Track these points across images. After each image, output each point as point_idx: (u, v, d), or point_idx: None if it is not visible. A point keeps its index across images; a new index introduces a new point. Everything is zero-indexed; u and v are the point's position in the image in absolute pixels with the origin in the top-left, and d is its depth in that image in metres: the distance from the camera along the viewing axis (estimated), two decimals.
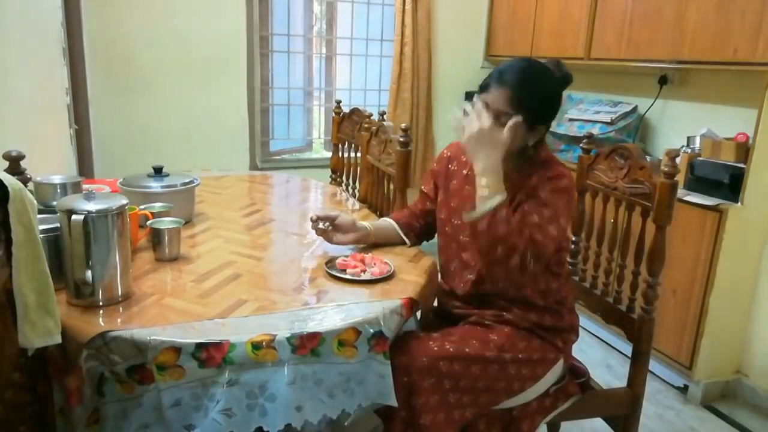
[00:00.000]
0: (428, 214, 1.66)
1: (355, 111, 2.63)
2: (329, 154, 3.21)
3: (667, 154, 1.47)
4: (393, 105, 3.69)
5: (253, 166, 3.51)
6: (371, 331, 1.19)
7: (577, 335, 1.54)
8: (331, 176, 2.87)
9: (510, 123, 1.30)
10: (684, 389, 2.47)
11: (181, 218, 1.54)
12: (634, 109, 2.95)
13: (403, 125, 2.01)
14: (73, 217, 1.12)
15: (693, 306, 2.35)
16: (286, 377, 1.09)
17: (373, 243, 1.64)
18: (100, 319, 1.14)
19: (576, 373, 1.55)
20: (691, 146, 2.58)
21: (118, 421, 1.08)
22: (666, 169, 1.43)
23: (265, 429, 1.08)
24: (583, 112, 3.10)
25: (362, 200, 2.38)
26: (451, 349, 1.33)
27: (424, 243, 1.73)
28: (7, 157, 1.25)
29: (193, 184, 1.82)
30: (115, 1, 3.02)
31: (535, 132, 1.37)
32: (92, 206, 1.15)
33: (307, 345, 1.12)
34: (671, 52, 2.53)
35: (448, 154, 1.62)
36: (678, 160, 1.46)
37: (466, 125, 1.31)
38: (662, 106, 2.92)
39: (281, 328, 1.13)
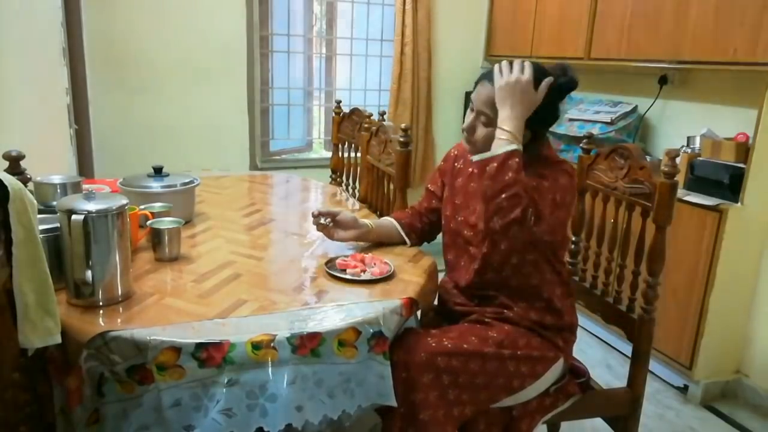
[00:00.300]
0: (433, 212, 1.67)
1: (355, 111, 2.63)
2: (329, 154, 3.21)
3: (667, 154, 1.47)
4: (393, 105, 3.69)
5: (253, 166, 3.51)
6: (371, 331, 1.19)
7: (576, 336, 1.54)
8: (331, 176, 2.87)
9: (544, 82, 1.31)
10: (684, 389, 2.47)
11: (181, 218, 1.54)
12: (634, 109, 2.95)
13: (403, 125, 2.01)
14: (73, 217, 1.12)
15: (693, 306, 2.35)
16: (286, 377, 1.09)
17: (373, 241, 1.64)
18: (100, 319, 1.14)
19: (576, 372, 1.55)
20: (691, 146, 2.58)
21: (118, 421, 1.08)
22: (666, 169, 1.43)
23: (265, 429, 1.08)
24: (583, 112, 3.10)
25: (362, 200, 2.38)
26: (450, 345, 1.33)
27: (426, 243, 1.73)
28: (7, 157, 1.25)
29: (193, 184, 1.82)
30: (115, 1, 3.02)
31: (525, 132, 1.35)
32: (92, 206, 1.15)
33: (307, 345, 1.12)
34: (671, 52, 2.53)
35: (455, 152, 1.63)
36: (678, 160, 1.46)
37: (504, 72, 1.31)
38: (662, 106, 2.92)
39: (281, 328, 1.13)
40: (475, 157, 1.32)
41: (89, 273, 1.16)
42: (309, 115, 3.88)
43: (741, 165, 2.27)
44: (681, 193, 2.35)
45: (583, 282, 1.81)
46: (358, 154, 2.53)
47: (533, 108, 1.32)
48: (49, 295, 0.99)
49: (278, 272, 1.48)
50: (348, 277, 1.40)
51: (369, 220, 1.65)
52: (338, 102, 2.85)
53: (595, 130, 2.92)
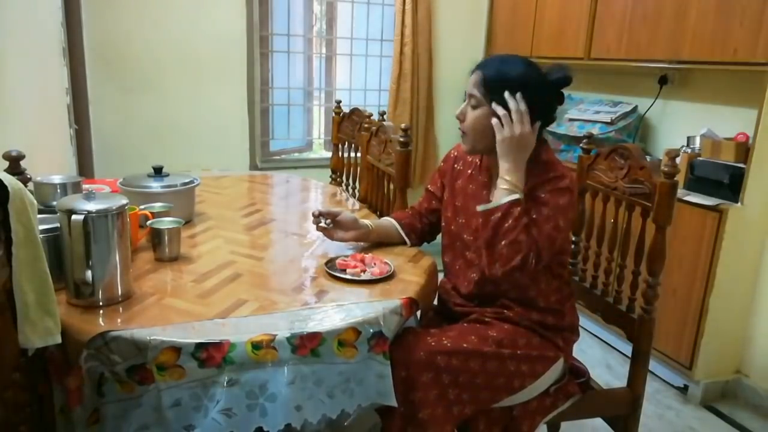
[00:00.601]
0: (433, 213, 1.67)
1: (355, 111, 2.63)
2: (329, 154, 3.21)
3: (667, 154, 1.47)
4: (393, 105, 3.69)
5: (253, 166, 3.51)
6: (371, 331, 1.19)
7: (578, 335, 1.54)
8: (331, 176, 2.87)
9: (535, 126, 1.35)
10: (684, 389, 2.47)
11: (181, 218, 1.54)
12: (634, 109, 2.95)
13: (403, 125, 2.01)
14: (73, 217, 1.12)
15: (693, 306, 2.35)
16: (286, 377, 1.09)
17: (373, 241, 1.64)
18: (100, 319, 1.14)
19: (576, 372, 1.55)
20: (691, 146, 2.58)
21: (118, 421, 1.08)
22: (666, 169, 1.43)
23: (265, 429, 1.08)
24: (583, 112, 3.10)
25: (362, 200, 2.38)
26: (449, 344, 1.33)
27: (426, 243, 1.73)
28: (7, 157, 1.25)
29: (193, 184, 1.82)
30: (115, 1, 3.02)
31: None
32: (92, 206, 1.15)
33: (307, 345, 1.12)
34: (671, 52, 2.53)
35: (455, 154, 1.63)
36: (678, 160, 1.46)
37: (505, 126, 1.34)
38: (662, 106, 2.92)
39: (281, 328, 1.13)
40: (480, 208, 1.36)
41: (89, 273, 1.16)
42: (309, 115, 3.88)
43: (741, 165, 2.27)
44: (681, 193, 2.35)
45: (583, 282, 1.81)
46: (358, 154, 2.53)
47: (531, 148, 1.36)
48: (49, 295, 0.99)
49: (278, 272, 1.48)
50: (348, 277, 1.40)
51: (369, 221, 1.65)
52: (338, 102, 2.85)
53: (595, 130, 2.92)
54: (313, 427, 1.14)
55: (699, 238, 2.31)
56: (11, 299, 0.94)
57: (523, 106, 1.34)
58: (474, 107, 1.41)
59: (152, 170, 1.80)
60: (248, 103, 3.41)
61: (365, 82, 3.85)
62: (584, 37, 3.03)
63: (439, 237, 1.68)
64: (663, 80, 2.86)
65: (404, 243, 1.67)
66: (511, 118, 1.34)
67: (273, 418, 1.08)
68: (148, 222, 1.50)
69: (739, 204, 2.25)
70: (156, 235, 1.46)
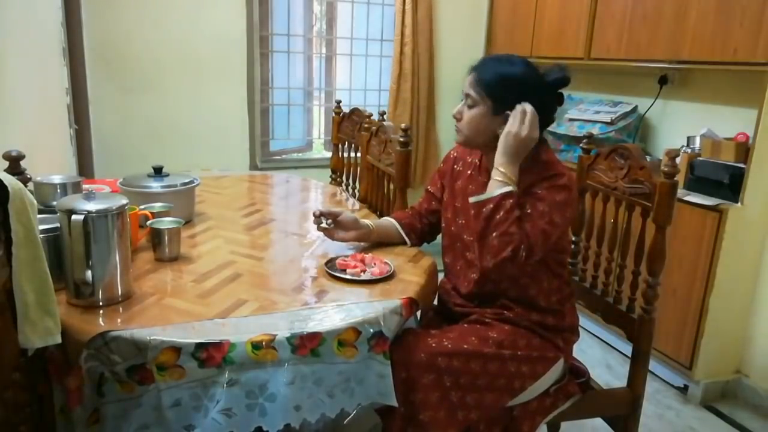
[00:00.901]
0: (433, 213, 1.67)
1: (355, 111, 2.63)
2: (329, 154, 3.21)
3: (667, 154, 1.47)
4: (392, 105, 3.69)
5: (253, 166, 3.51)
6: (371, 331, 1.19)
7: (578, 335, 1.54)
8: (331, 176, 2.87)
9: (527, 118, 1.34)
10: (684, 389, 2.47)
11: (181, 218, 1.54)
12: (634, 109, 2.95)
13: (403, 125, 2.01)
14: (73, 217, 1.12)
15: (693, 306, 2.35)
16: (286, 377, 1.09)
17: (374, 241, 1.64)
18: (100, 319, 1.14)
19: (576, 373, 1.55)
20: (691, 146, 2.58)
21: (118, 421, 1.08)
22: (666, 169, 1.43)
23: (264, 429, 1.08)
24: (583, 112, 3.10)
25: (362, 200, 2.38)
26: (450, 345, 1.33)
27: (426, 244, 1.73)
28: (7, 157, 1.25)
29: (193, 184, 1.82)
30: (115, 1, 3.02)
31: (500, 118, 1.38)
32: (92, 206, 1.15)
33: (307, 345, 1.12)
34: (671, 52, 2.53)
35: (455, 154, 1.63)
36: (678, 160, 1.46)
37: (517, 122, 1.34)
38: (662, 106, 2.92)
39: (281, 328, 1.13)
40: (472, 199, 1.36)
41: (89, 273, 1.16)
42: (309, 115, 3.88)
43: (741, 165, 2.27)
44: (681, 193, 2.35)
45: (583, 282, 1.81)
46: (358, 154, 2.53)
47: (529, 150, 1.37)
48: (49, 295, 0.99)
49: (278, 272, 1.48)
50: (348, 277, 1.40)
51: (369, 221, 1.65)
52: (338, 102, 2.85)
53: (595, 130, 2.92)
54: (312, 426, 1.14)
55: (699, 238, 2.31)
56: (11, 299, 0.94)
57: (530, 112, 1.35)
58: (470, 106, 1.41)
59: (152, 170, 1.80)
60: (248, 103, 3.41)
61: (365, 82, 3.85)
62: (584, 37, 3.03)
63: (439, 237, 1.69)
64: (663, 80, 2.86)
65: (404, 243, 1.67)
66: (523, 119, 1.34)
67: (272, 417, 1.08)
68: (148, 222, 1.50)
69: (739, 204, 2.25)
70: (156, 235, 1.46)
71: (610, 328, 2.74)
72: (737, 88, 2.55)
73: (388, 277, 1.41)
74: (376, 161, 2.26)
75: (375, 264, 1.46)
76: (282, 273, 1.47)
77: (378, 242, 1.65)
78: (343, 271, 1.43)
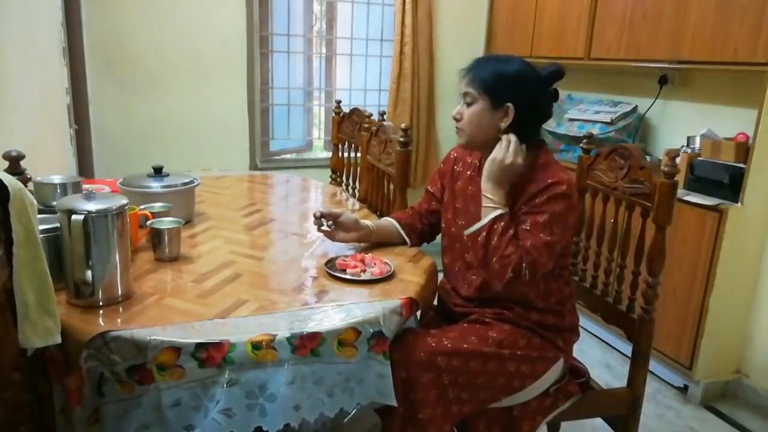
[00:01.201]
0: (433, 214, 1.67)
1: (355, 111, 2.63)
2: (329, 154, 3.21)
3: (667, 154, 1.47)
4: (392, 105, 3.69)
5: (253, 166, 3.51)
6: (371, 331, 1.19)
7: (578, 335, 1.54)
8: (331, 176, 2.87)
9: (511, 146, 1.37)
10: (684, 389, 2.47)
11: (181, 218, 1.54)
12: (634, 109, 2.95)
13: (403, 125, 2.01)
14: (73, 217, 1.12)
15: (693, 306, 2.35)
16: (285, 377, 1.09)
17: (374, 242, 1.64)
18: (100, 319, 1.14)
19: (576, 373, 1.55)
20: (691, 146, 2.57)
21: (118, 421, 1.08)
22: (666, 169, 1.43)
23: (264, 429, 1.08)
24: (583, 112, 3.10)
25: (362, 200, 2.38)
26: (449, 345, 1.33)
27: (426, 244, 1.73)
28: (7, 157, 1.25)
29: (193, 184, 1.82)
30: (115, 1, 3.02)
31: (500, 112, 1.39)
32: (92, 206, 1.15)
33: (307, 345, 1.12)
34: (671, 52, 2.53)
35: (455, 155, 1.64)
36: (678, 160, 1.46)
37: (502, 150, 1.37)
38: (662, 106, 2.92)
39: (281, 328, 1.13)
40: (467, 232, 1.41)
41: (89, 273, 1.16)
42: (309, 115, 3.88)
43: (741, 165, 2.27)
44: (681, 193, 2.35)
45: (583, 282, 1.81)
46: (358, 154, 2.53)
47: (514, 175, 1.39)
48: (49, 295, 0.99)
49: (278, 272, 1.48)
50: (348, 277, 1.40)
51: (369, 221, 1.65)
52: (338, 102, 2.85)
53: (595, 130, 2.92)
54: (311, 426, 1.14)
55: (699, 238, 2.31)
56: (11, 299, 0.94)
57: (515, 142, 1.38)
58: (469, 104, 1.42)
59: (152, 170, 1.80)
60: (248, 103, 3.41)
61: (365, 82, 3.85)
62: (584, 37, 3.03)
63: (438, 237, 1.69)
64: (663, 80, 2.86)
65: (405, 243, 1.67)
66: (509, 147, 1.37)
67: (272, 417, 1.08)
68: (148, 222, 1.50)
69: (739, 204, 2.25)
70: (156, 235, 1.46)
71: (610, 328, 2.74)
72: (737, 88, 2.55)
73: (388, 277, 1.41)
74: (376, 161, 2.26)
75: (375, 264, 1.46)
76: (282, 273, 1.47)
77: (378, 242, 1.65)
78: (343, 271, 1.43)
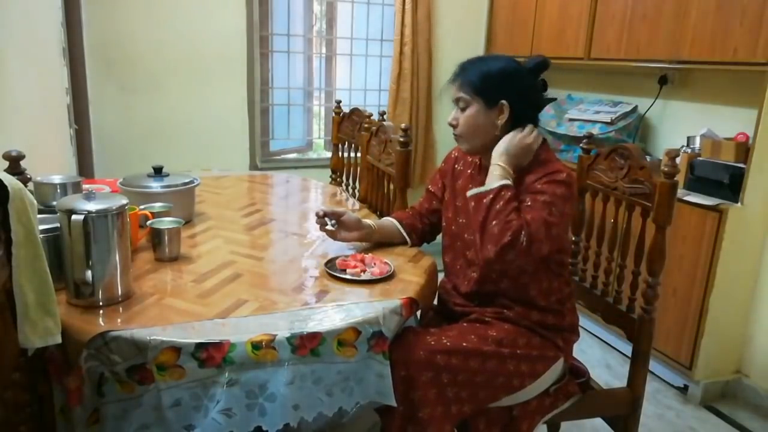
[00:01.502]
0: (434, 213, 1.67)
1: (355, 111, 2.63)
2: (329, 154, 3.21)
3: (667, 154, 1.47)
4: (392, 105, 3.69)
5: (253, 166, 3.51)
6: (371, 331, 1.19)
7: (578, 335, 1.54)
8: (331, 176, 2.87)
9: (534, 132, 1.42)
10: (684, 389, 2.47)
11: (181, 218, 1.54)
12: (634, 109, 2.95)
13: (403, 125, 2.01)
14: (73, 217, 1.12)
15: (693, 306, 2.35)
16: (285, 377, 1.09)
17: (376, 241, 1.64)
18: (100, 319, 1.14)
19: (576, 372, 1.55)
20: (691, 146, 2.58)
21: (118, 421, 1.08)
22: (666, 169, 1.43)
23: (264, 428, 1.08)
24: (583, 112, 3.10)
25: (362, 200, 2.38)
26: (449, 344, 1.33)
27: (427, 244, 1.73)
28: (7, 157, 1.25)
29: (193, 184, 1.82)
30: (115, 1, 3.02)
31: (496, 111, 1.41)
32: (92, 206, 1.15)
33: (307, 345, 1.12)
34: (671, 52, 2.53)
35: (455, 154, 1.64)
36: (678, 160, 1.46)
37: (519, 130, 1.41)
38: (662, 106, 2.92)
39: (281, 328, 1.13)
40: (471, 192, 1.40)
41: (89, 273, 1.16)
42: (309, 115, 3.88)
43: (741, 165, 2.27)
44: (681, 193, 2.35)
45: (583, 282, 1.81)
46: (358, 154, 2.53)
47: (527, 160, 1.42)
48: (49, 295, 0.99)
49: (278, 272, 1.48)
50: (348, 277, 1.40)
51: (371, 221, 1.65)
52: (338, 102, 2.85)
53: (595, 130, 2.92)
54: (311, 425, 1.14)
55: (699, 238, 2.31)
56: (11, 299, 0.94)
57: (537, 130, 1.43)
58: (463, 108, 1.43)
59: (152, 170, 1.80)
60: (248, 103, 3.41)
61: (365, 82, 3.85)
62: (584, 37, 3.03)
63: (439, 237, 1.69)
64: (663, 80, 2.86)
65: (405, 243, 1.67)
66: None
67: (272, 417, 1.08)
68: (148, 222, 1.50)
69: (739, 204, 2.25)
70: (156, 235, 1.46)
71: (610, 328, 2.74)
72: (737, 88, 2.55)
73: (388, 277, 1.41)
74: (376, 161, 2.26)
75: (375, 264, 1.46)
76: (282, 273, 1.47)
77: (379, 242, 1.65)
78: (343, 271, 1.43)
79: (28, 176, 1.29)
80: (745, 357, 2.46)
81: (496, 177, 1.37)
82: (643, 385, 1.58)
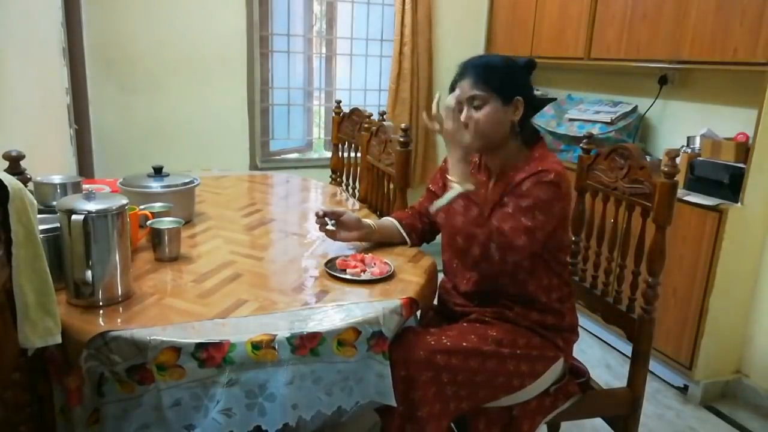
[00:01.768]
0: None
1: (355, 111, 2.63)
2: (329, 154, 3.21)
3: (667, 154, 1.47)
4: (392, 105, 3.69)
5: (253, 166, 3.51)
6: (371, 331, 1.19)
7: (578, 335, 1.54)
8: (331, 176, 2.87)
9: (471, 125, 1.40)
10: (684, 389, 2.47)
11: (181, 218, 1.54)
12: (634, 109, 2.95)
13: (403, 125, 2.01)
14: (73, 217, 1.12)
15: (693, 306, 2.35)
16: (285, 377, 1.09)
17: (376, 241, 1.64)
18: (100, 319, 1.14)
19: (576, 372, 1.55)
20: (691, 146, 2.58)
21: (118, 421, 1.08)
22: (666, 169, 1.43)
23: (263, 428, 1.08)
24: (583, 112, 3.10)
25: (362, 200, 2.38)
26: (449, 343, 1.33)
27: (426, 244, 1.72)
28: (7, 157, 1.25)
29: (193, 184, 1.82)
30: (115, 1, 3.02)
31: (512, 107, 1.42)
32: (92, 206, 1.15)
33: (307, 345, 1.12)
34: (671, 52, 2.53)
35: None
36: (678, 160, 1.46)
37: (443, 124, 1.40)
38: (662, 106, 2.92)
39: (281, 328, 1.13)
40: (432, 208, 1.40)
41: (89, 273, 1.16)
42: (309, 115, 3.88)
43: (741, 165, 2.27)
44: (681, 193, 2.35)
45: (583, 282, 1.81)
46: (358, 154, 2.53)
47: (469, 149, 1.39)
48: (49, 294, 0.99)
49: (278, 272, 1.48)
50: (348, 277, 1.40)
51: (370, 221, 1.65)
52: (338, 102, 2.85)
53: (595, 130, 2.92)
54: (310, 425, 1.14)
55: (699, 238, 2.31)
56: (11, 299, 0.94)
57: (452, 102, 1.39)
58: (478, 107, 1.41)
59: (152, 170, 1.80)
60: (248, 103, 3.41)
61: (365, 82, 3.85)
62: (584, 37, 3.03)
63: (438, 237, 1.68)
64: (663, 80, 2.86)
65: (405, 243, 1.67)
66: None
67: (272, 417, 1.08)
68: (148, 222, 1.50)
69: (739, 204, 2.25)
70: (156, 235, 1.46)
71: (610, 328, 2.74)
72: (737, 88, 2.55)
73: (388, 277, 1.41)
74: (376, 161, 2.26)
75: (375, 264, 1.46)
76: (282, 273, 1.47)
77: (379, 242, 1.65)
78: (343, 271, 1.43)
79: (28, 176, 1.29)
80: (745, 357, 2.46)
81: (449, 191, 1.36)
82: (643, 385, 1.58)
